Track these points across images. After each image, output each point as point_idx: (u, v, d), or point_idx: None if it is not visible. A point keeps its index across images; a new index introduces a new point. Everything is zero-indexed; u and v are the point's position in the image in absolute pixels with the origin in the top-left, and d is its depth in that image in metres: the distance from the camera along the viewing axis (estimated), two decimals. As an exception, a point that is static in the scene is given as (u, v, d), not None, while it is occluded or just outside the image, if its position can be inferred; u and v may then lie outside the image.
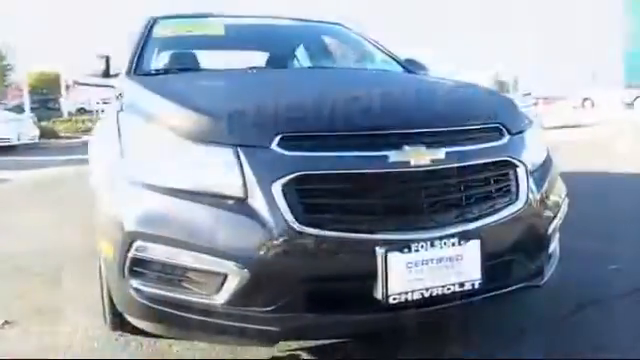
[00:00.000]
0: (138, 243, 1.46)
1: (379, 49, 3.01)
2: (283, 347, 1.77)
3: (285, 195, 1.38)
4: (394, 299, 1.40)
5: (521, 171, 1.63)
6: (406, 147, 1.47)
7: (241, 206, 1.41)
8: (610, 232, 2.99)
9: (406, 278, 1.40)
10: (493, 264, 1.54)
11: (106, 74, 2.56)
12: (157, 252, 1.45)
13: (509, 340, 1.84)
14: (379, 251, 1.38)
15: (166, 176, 1.48)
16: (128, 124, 1.65)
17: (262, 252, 1.37)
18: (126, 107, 1.78)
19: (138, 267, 1.49)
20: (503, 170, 1.62)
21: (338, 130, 1.49)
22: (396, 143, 1.48)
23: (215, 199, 1.43)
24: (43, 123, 16.53)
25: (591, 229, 2.97)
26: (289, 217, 1.37)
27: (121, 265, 1.51)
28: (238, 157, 1.43)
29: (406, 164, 1.45)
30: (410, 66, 2.84)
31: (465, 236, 1.46)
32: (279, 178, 1.39)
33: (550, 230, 1.71)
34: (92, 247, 1.79)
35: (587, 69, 30.41)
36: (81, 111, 25.05)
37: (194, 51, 2.64)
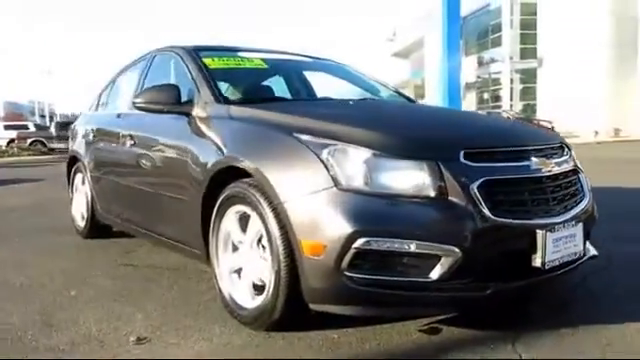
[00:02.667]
0: (363, 239, 1.82)
1: (380, 83, 3.60)
2: (422, 322, 2.21)
3: (480, 194, 1.87)
4: (547, 266, 1.96)
5: (582, 176, 2.34)
6: (535, 159, 2.07)
7: (445, 203, 1.86)
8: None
9: (553, 250, 1.98)
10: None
11: (178, 101, 2.72)
12: (380, 244, 1.82)
13: (556, 304, 2.50)
14: (539, 232, 1.94)
15: (382, 184, 1.87)
16: (319, 146, 1.96)
17: (470, 235, 1.84)
18: (295, 132, 2.07)
19: (358, 259, 1.84)
20: (575, 175, 2.29)
21: (496, 147, 2.04)
22: (529, 156, 2.07)
23: (423, 199, 1.86)
24: None
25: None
26: (485, 210, 1.86)
27: (339, 259, 1.84)
28: (439, 167, 1.88)
29: (540, 170, 2.05)
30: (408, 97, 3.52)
31: (577, 220, 2.10)
32: (473, 182, 1.87)
33: (597, 217, 2.43)
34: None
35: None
36: None
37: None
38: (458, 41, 27.85)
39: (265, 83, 3.34)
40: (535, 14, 26.32)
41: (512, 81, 27.78)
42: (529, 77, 27.59)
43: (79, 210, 4.30)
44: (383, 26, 38.13)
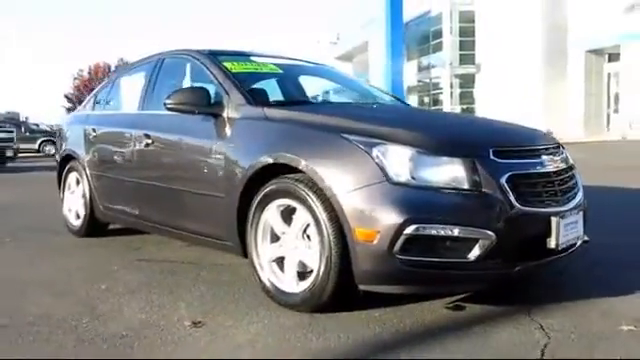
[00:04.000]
0: (413, 226, 2.09)
1: (375, 87, 3.90)
2: (446, 301, 2.51)
3: (508, 186, 2.19)
4: (560, 247, 2.31)
5: (576, 172, 2.72)
6: (545, 156, 2.42)
7: (480, 194, 2.16)
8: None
9: (564, 234, 2.33)
10: (580, 226, 2.56)
11: (209, 103, 2.88)
12: (427, 230, 2.10)
13: (550, 284, 2.88)
14: (554, 219, 2.28)
15: (426, 178, 2.15)
16: (369, 145, 2.22)
17: (502, 221, 2.16)
18: (343, 132, 2.32)
19: (408, 243, 2.11)
20: (571, 171, 2.66)
21: (516, 146, 2.37)
22: (540, 154, 2.42)
23: (461, 190, 2.16)
24: None
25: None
26: (513, 200, 2.18)
27: (391, 244, 2.10)
28: (474, 164, 2.18)
29: (549, 166, 2.40)
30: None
31: (579, 208, 2.47)
32: (502, 176, 2.19)
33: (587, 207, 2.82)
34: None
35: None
36: None
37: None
38: (401, 46, 28.68)
39: (284, 86, 3.55)
40: (473, 22, 27.65)
41: (452, 85, 29.03)
42: (468, 82, 28.94)
43: (73, 209, 4.32)
44: (327, 30, 39.00)
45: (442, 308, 2.46)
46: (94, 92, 4.46)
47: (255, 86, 3.14)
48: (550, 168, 2.42)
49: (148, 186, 3.36)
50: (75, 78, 58.51)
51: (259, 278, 2.60)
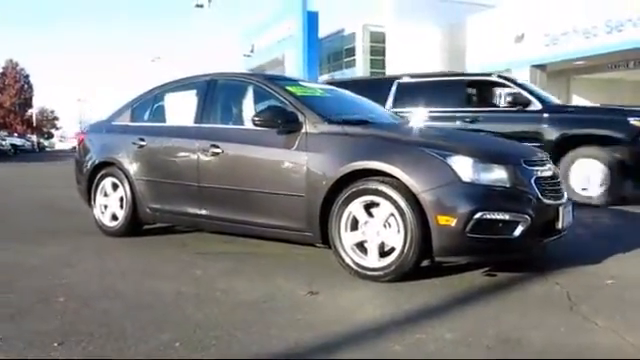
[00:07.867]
0: (480, 212, 2.97)
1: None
2: (481, 270, 3.40)
3: (535, 185, 3.15)
4: (563, 228, 3.31)
5: (561, 178, 3.76)
6: (547, 164, 3.43)
7: (519, 190, 3.10)
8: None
9: (565, 219, 3.33)
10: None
11: (288, 120, 3.57)
12: (489, 215, 2.99)
13: (542, 258, 3.88)
14: (561, 208, 3.28)
15: (483, 179, 3.04)
16: (443, 155, 3.06)
17: (534, 209, 3.10)
18: (420, 146, 3.16)
19: (475, 225, 2.98)
20: (559, 177, 3.69)
21: (534, 158, 3.35)
22: (545, 163, 3.42)
23: (507, 188, 3.08)
24: None
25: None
26: (539, 195, 3.14)
27: (464, 225, 2.96)
28: (514, 169, 3.11)
29: (551, 171, 3.41)
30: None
31: (569, 201, 3.50)
32: (531, 178, 3.16)
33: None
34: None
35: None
36: None
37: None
38: (317, 62, 30.05)
39: (337, 107, 4.27)
40: (384, 42, 29.69)
41: (364, 100, 30.90)
42: (378, 98, 30.95)
43: (109, 212, 4.69)
44: (240, 43, 39.47)
45: (481, 276, 3.36)
46: (128, 105, 4.89)
47: (318, 106, 3.86)
48: (551, 173, 3.43)
49: (216, 189, 3.94)
50: (-42, 80, 53.76)
51: (342, 259, 3.32)
